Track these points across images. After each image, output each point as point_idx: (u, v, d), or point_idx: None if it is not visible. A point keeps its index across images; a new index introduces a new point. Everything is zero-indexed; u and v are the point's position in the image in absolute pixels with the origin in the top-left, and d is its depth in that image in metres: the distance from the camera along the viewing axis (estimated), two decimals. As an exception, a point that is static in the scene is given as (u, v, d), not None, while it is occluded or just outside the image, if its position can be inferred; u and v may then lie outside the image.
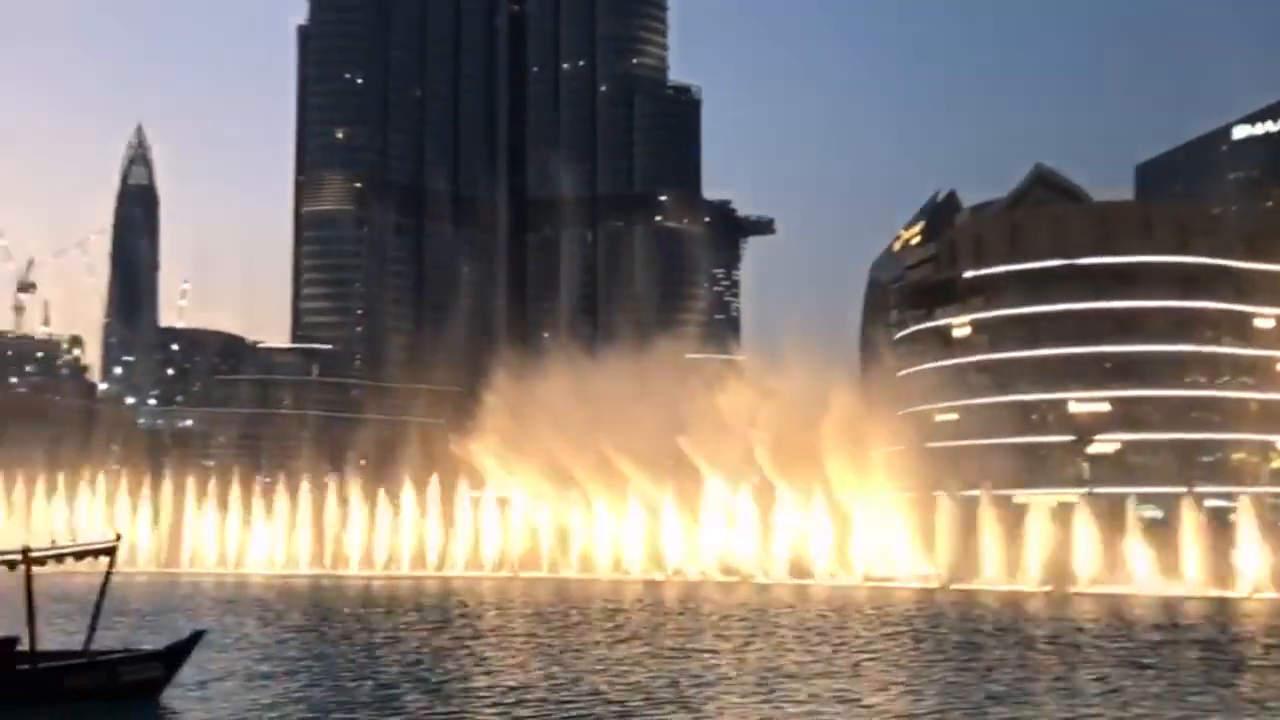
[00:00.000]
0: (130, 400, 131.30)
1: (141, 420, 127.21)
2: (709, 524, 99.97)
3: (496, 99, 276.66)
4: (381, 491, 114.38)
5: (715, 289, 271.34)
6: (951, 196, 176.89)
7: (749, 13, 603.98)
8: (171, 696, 29.24)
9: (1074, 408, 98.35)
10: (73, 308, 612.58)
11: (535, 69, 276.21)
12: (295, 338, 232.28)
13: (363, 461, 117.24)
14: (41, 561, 29.46)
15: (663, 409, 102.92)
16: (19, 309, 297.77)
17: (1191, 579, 78.44)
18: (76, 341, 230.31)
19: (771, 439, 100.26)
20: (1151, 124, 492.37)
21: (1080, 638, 46.32)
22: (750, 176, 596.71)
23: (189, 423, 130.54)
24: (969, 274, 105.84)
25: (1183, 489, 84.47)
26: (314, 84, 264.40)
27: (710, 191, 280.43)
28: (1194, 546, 79.74)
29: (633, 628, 49.62)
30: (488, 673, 34.66)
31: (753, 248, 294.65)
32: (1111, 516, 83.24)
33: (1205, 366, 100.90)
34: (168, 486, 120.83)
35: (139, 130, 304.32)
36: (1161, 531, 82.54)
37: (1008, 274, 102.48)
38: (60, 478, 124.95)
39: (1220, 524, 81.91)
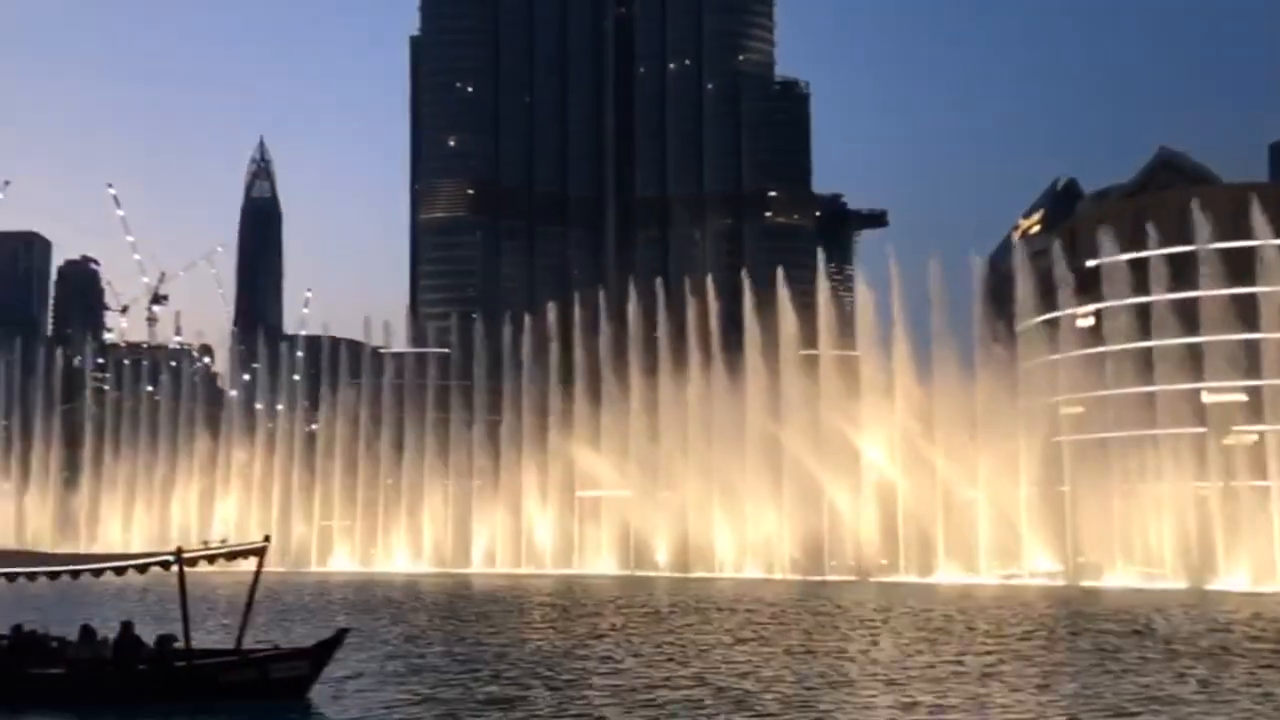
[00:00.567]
0: (259, 406, 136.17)
1: (269, 425, 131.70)
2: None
3: (604, 101, 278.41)
4: (500, 490, 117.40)
5: (828, 283, 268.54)
6: (1072, 184, 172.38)
7: (856, 4, 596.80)
8: (315, 693, 29.81)
9: (1206, 398, 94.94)
10: (202, 317, 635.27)
11: (641, 70, 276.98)
12: (413, 342, 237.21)
13: (482, 461, 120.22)
14: (194, 562, 30.10)
15: (767, 411, 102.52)
16: (152, 320, 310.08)
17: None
18: (206, 350, 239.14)
19: (887, 434, 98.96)
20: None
21: (1227, 638, 44.58)
22: (861, 169, 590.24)
23: (313, 427, 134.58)
24: (1091, 263, 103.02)
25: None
26: (427, 93, 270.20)
27: (820, 186, 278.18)
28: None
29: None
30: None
31: (865, 241, 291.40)
32: (1250, 510, 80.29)
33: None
34: (295, 488, 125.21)
35: (261, 144, 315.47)
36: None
37: (1133, 262, 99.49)
38: (195, 481, 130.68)
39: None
